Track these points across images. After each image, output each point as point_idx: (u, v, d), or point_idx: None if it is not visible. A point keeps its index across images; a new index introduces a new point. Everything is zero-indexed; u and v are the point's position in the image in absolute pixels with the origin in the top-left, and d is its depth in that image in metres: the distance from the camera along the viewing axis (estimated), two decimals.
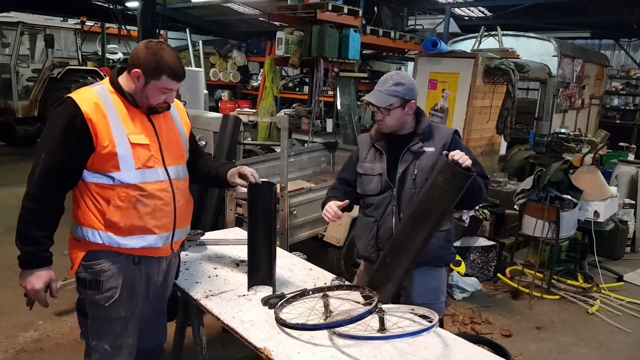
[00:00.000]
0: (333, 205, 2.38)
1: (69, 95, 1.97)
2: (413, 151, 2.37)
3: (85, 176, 1.96)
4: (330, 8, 6.82)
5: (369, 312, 1.92)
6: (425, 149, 2.36)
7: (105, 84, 2.04)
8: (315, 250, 4.34)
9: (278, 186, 3.55)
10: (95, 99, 1.94)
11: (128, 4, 11.16)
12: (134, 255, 2.05)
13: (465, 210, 4.31)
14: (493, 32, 7.18)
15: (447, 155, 2.12)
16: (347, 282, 2.45)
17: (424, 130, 2.39)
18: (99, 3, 12.62)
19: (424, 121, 2.42)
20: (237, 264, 2.70)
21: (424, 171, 2.33)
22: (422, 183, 2.31)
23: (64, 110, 1.94)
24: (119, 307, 2.04)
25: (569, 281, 4.85)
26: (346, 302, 2.22)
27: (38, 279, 1.96)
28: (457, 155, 2.09)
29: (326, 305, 2.11)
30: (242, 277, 2.47)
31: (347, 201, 2.40)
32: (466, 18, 11.49)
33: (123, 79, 2.03)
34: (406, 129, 2.42)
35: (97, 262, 2.00)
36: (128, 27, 10.38)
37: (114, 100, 1.98)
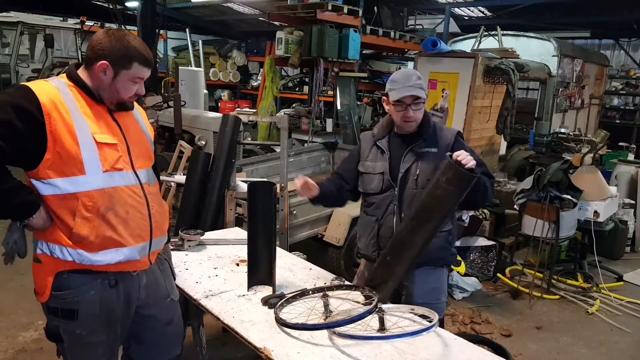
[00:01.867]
0: (303, 179, 2.42)
1: (23, 83, 1.75)
2: (416, 151, 2.38)
3: (39, 188, 1.73)
4: (330, 8, 6.82)
5: (369, 312, 1.92)
6: (428, 149, 2.37)
7: (62, 79, 1.82)
8: (315, 250, 4.34)
9: (278, 186, 3.55)
10: (54, 93, 1.73)
11: (128, 4, 11.13)
12: (109, 276, 1.85)
13: (464, 210, 4.32)
14: (493, 32, 7.18)
15: (450, 155, 2.12)
16: (347, 282, 2.45)
17: (427, 130, 2.40)
18: (98, 3, 12.60)
19: (429, 121, 2.42)
20: (237, 264, 2.70)
21: (426, 172, 2.34)
22: (424, 183, 2.32)
23: (17, 92, 1.70)
24: (99, 332, 1.88)
25: (568, 281, 4.85)
26: (346, 302, 2.22)
27: (44, 220, 1.77)
28: (461, 155, 2.10)
29: (326, 305, 2.11)
30: (242, 277, 2.47)
31: (317, 189, 2.44)
32: (466, 18, 11.48)
33: (83, 75, 1.82)
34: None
35: (69, 291, 1.80)
36: (128, 27, 10.37)
37: (74, 96, 1.78)
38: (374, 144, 2.49)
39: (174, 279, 2.26)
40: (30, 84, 1.74)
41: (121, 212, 1.83)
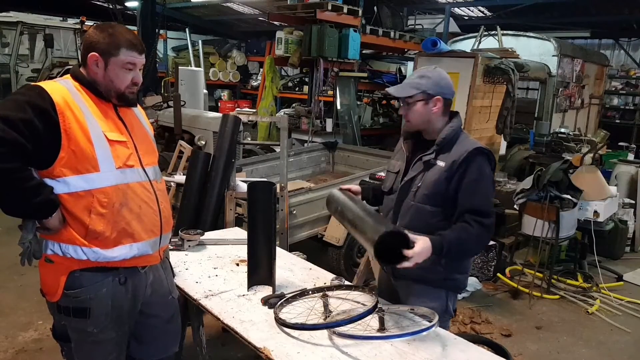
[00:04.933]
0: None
1: (34, 83, 1.80)
2: (424, 161, 2.18)
3: (54, 187, 1.74)
4: (330, 8, 6.82)
5: (369, 312, 1.92)
6: (438, 162, 2.13)
7: (68, 79, 1.86)
8: (315, 250, 4.34)
9: (278, 186, 3.55)
10: (65, 92, 1.77)
11: (128, 4, 11.13)
12: (119, 273, 1.89)
13: None
14: (493, 32, 7.19)
15: (406, 240, 1.92)
16: (347, 282, 2.45)
17: (443, 140, 2.15)
18: (98, 3, 12.61)
19: (448, 129, 2.17)
20: (237, 264, 2.70)
21: (427, 185, 2.14)
22: (422, 198, 2.15)
23: (31, 92, 1.72)
24: (109, 330, 1.90)
25: (568, 281, 4.85)
26: (346, 302, 2.22)
27: (60, 221, 1.78)
28: (405, 261, 1.90)
29: (326, 305, 2.11)
30: (242, 277, 2.47)
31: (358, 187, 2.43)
32: (466, 18, 11.49)
33: (84, 72, 1.87)
34: (435, 133, 2.20)
35: (82, 289, 1.82)
36: (128, 27, 10.36)
37: (82, 95, 1.82)
38: (402, 143, 2.38)
39: (173, 277, 2.30)
40: (41, 84, 1.77)
41: (135, 208, 1.87)
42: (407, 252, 1.91)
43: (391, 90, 2.24)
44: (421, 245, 1.95)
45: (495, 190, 2.19)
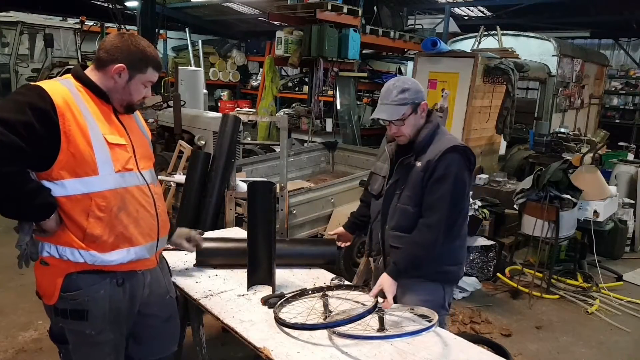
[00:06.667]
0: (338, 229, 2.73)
1: (34, 83, 1.75)
2: (405, 164, 2.25)
3: (52, 189, 1.72)
4: (329, 8, 6.83)
5: (369, 312, 1.92)
6: (417, 162, 2.21)
7: (69, 79, 1.83)
8: None
9: (278, 186, 3.55)
10: (66, 93, 1.74)
11: (127, 4, 11.12)
12: (117, 275, 1.87)
13: None
14: (492, 32, 7.20)
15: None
16: (346, 282, 2.45)
17: (420, 141, 2.22)
18: (98, 3, 12.60)
19: (424, 130, 2.23)
20: None
21: (409, 187, 2.21)
22: (405, 200, 2.22)
23: (31, 92, 1.69)
24: (107, 332, 1.89)
25: (568, 281, 4.85)
26: (346, 301, 2.22)
27: (57, 223, 1.77)
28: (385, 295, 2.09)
29: (325, 305, 2.11)
30: (241, 277, 2.47)
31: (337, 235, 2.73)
32: (466, 18, 11.50)
33: (93, 76, 1.84)
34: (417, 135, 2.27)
35: (79, 291, 1.80)
36: (127, 27, 10.36)
37: (83, 97, 1.79)
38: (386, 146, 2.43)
39: (170, 276, 2.28)
40: (41, 84, 1.74)
41: (132, 212, 1.86)
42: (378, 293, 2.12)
43: (383, 115, 2.22)
44: (382, 282, 2.13)
45: (469, 189, 2.25)
